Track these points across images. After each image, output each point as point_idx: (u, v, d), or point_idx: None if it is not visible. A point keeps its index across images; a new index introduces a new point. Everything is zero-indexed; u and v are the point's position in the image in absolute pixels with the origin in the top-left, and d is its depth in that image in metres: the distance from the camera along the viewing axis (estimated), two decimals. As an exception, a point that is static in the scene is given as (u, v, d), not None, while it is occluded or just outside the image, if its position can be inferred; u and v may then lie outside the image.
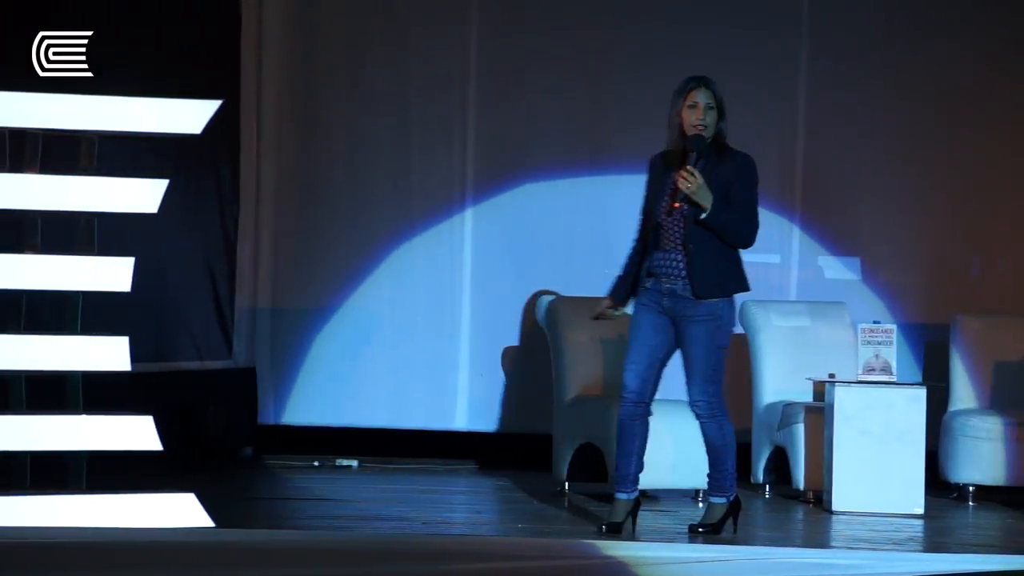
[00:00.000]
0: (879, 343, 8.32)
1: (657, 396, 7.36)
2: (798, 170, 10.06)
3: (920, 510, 8.16)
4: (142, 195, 6.64)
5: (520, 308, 9.99)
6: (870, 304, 9.93)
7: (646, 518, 7.45)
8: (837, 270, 10.07)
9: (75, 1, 8.33)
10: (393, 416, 10.03)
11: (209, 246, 9.75)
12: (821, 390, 8.73)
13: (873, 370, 8.31)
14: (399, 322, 10.07)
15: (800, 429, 8.66)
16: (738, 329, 9.25)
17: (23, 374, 6.58)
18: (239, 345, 9.93)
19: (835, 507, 8.20)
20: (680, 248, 6.99)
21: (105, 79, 6.68)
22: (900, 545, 7.21)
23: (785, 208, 10.04)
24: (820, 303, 9.44)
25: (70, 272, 6.58)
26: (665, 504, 8.33)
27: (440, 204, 10.10)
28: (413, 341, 10.06)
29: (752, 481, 9.06)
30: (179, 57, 9.21)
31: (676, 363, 7.18)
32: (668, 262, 7.01)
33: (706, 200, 6.93)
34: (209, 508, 6.58)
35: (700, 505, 8.38)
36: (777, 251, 10.04)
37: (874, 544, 7.21)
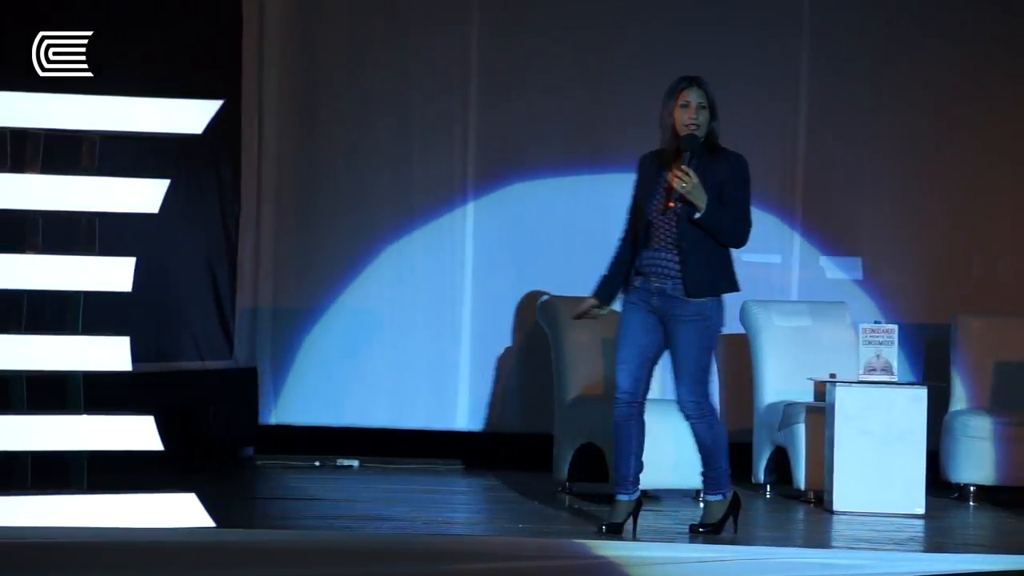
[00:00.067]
0: (880, 343, 8.32)
1: (657, 396, 7.37)
2: (799, 170, 10.06)
3: (921, 510, 8.16)
4: (143, 195, 6.64)
5: (521, 308, 9.99)
6: (871, 304, 9.93)
7: (646, 518, 7.45)
8: (838, 270, 10.07)
9: (75, 1, 8.33)
10: (394, 416, 10.03)
11: (210, 246, 9.76)
12: (822, 390, 8.73)
13: (874, 370, 8.31)
14: (400, 322, 10.07)
15: (801, 429, 8.66)
16: (739, 329, 9.28)
17: (24, 374, 6.58)
18: (240, 345, 9.93)
19: (836, 507, 8.20)
20: (672, 247, 6.97)
21: (105, 79, 6.69)
22: (901, 545, 7.21)
23: (786, 208, 10.04)
24: (821, 303, 9.44)
25: (71, 272, 6.58)
26: (665, 504, 8.33)
27: (441, 204, 10.10)
28: (414, 341, 10.06)
29: (753, 481, 9.06)
30: (180, 57, 9.21)
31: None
32: (659, 261, 6.99)
33: (701, 200, 6.92)
34: (209, 508, 6.58)
35: (700, 505, 8.38)
36: (778, 251, 10.04)
37: (875, 544, 7.20)
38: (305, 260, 10.11)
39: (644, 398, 7.10)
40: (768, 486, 8.99)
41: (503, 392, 10.07)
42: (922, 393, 8.27)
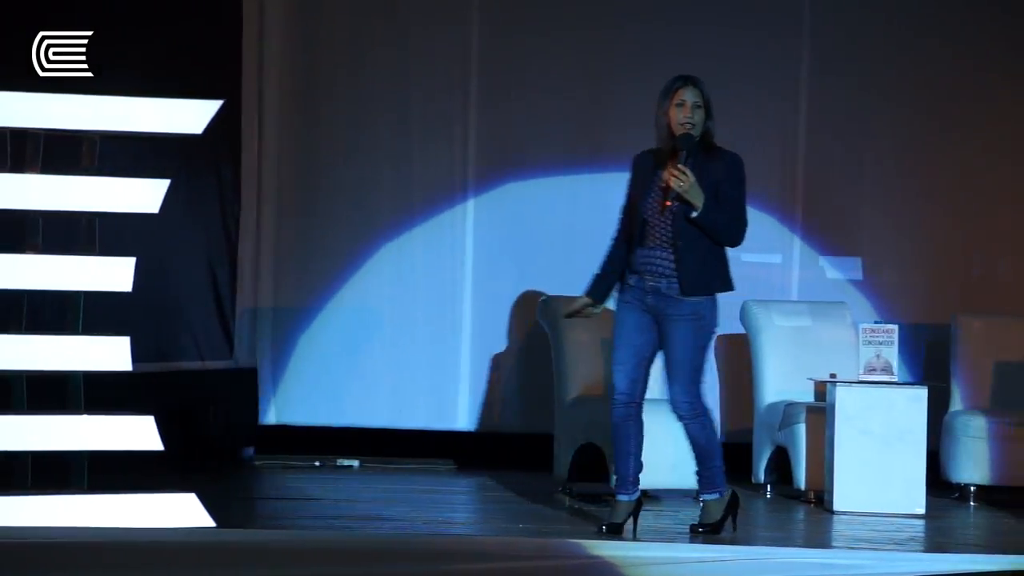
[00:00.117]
0: (880, 343, 8.32)
1: (655, 396, 7.36)
2: (799, 170, 10.06)
3: (921, 510, 8.16)
4: (143, 195, 6.65)
5: (521, 308, 9.99)
6: (871, 304, 9.93)
7: (646, 518, 7.44)
8: (838, 270, 10.07)
9: (75, 1, 8.34)
10: (394, 416, 10.03)
11: (210, 246, 9.76)
12: (822, 390, 8.73)
13: (874, 370, 8.31)
14: (400, 322, 10.07)
15: (801, 429, 8.66)
16: (739, 329, 9.28)
17: (24, 374, 6.58)
18: (240, 345, 9.93)
19: (836, 507, 8.19)
20: (668, 246, 6.95)
21: (105, 79, 6.69)
22: (901, 545, 7.21)
23: (786, 208, 10.04)
24: (821, 303, 9.44)
25: (71, 272, 6.58)
26: (665, 504, 8.33)
27: (441, 203, 10.10)
28: (414, 342, 10.06)
29: (753, 481, 9.06)
30: (180, 57, 9.21)
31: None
32: (654, 260, 6.98)
33: (698, 198, 6.91)
34: (209, 508, 6.58)
35: (700, 505, 8.37)
36: (778, 251, 10.04)
37: (875, 544, 7.20)
38: (305, 260, 10.10)
39: (642, 398, 7.09)
40: (768, 486, 8.99)
41: (503, 392, 10.07)
42: (922, 393, 8.27)
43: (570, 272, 9.56)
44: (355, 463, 9.89)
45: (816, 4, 10.05)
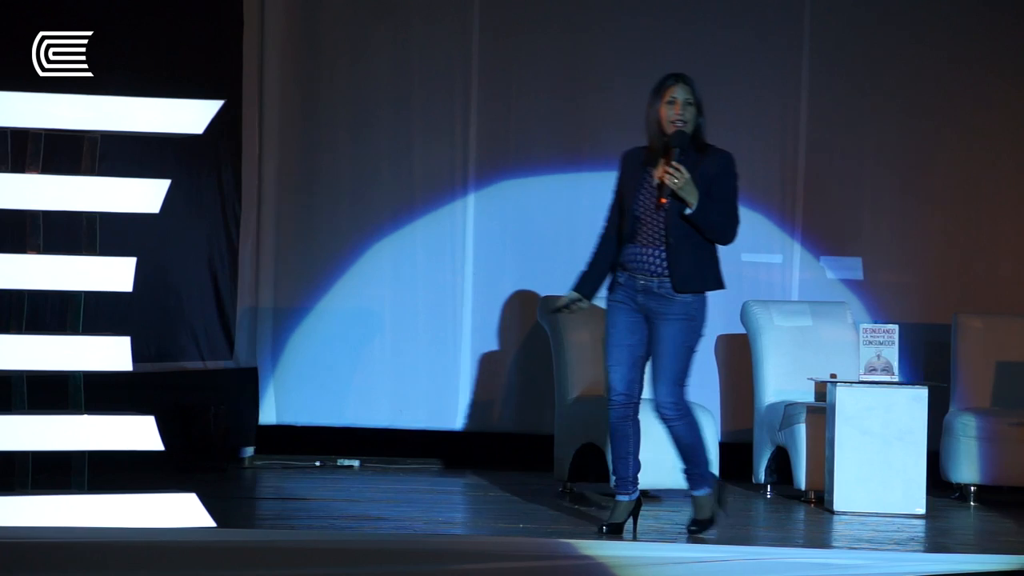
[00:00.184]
0: (880, 343, 8.32)
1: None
2: (800, 170, 10.06)
3: (921, 510, 8.16)
4: (144, 195, 6.64)
5: (521, 308, 9.99)
6: (871, 304, 9.94)
7: (646, 518, 7.45)
8: (838, 270, 10.07)
9: (75, 1, 8.34)
10: (394, 416, 10.04)
11: (211, 246, 9.76)
12: (823, 390, 8.74)
13: (875, 370, 8.31)
14: (400, 323, 10.08)
15: (802, 429, 8.66)
16: (739, 329, 9.29)
17: (25, 374, 6.58)
18: (240, 345, 9.93)
19: (836, 507, 8.20)
20: (660, 244, 6.93)
21: (105, 79, 6.69)
22: (901, 545, 7.21)
23: (787, 208, 10.04)
24: (822, 303, 9.45)
25: (72, 272, 6.58)
26: (665, 504, 8.33)
27: (441, 203, 10.10)
28: (414, 342, 10.06)
29: (753, 481, 9.07)
30: (180, 57, 9.22)
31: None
32: (645, 258, 6.96)
33: (692, 196, 6.89)
34: (209, 508, 6.58)
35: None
36: (778, 251, 10.04)
37: (875, 544, 7.20)
38: (305, 260, 10.11)
39: (639, 398, 7.07)
40: (768, 486, 8.99)
41: (503, 392, 10.07)
42: (922, 393, 8.27)
43: (571, 271, 9.55)
44: (355, 463, 9.90)
45: (817, 4, 10.05)
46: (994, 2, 10.03)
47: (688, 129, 6.96)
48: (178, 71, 9.10)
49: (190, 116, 6.68)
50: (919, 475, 8.20)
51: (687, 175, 6.87)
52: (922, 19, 10.03)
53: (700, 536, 7.07)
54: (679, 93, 6.98)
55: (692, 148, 6.96)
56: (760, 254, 9.98)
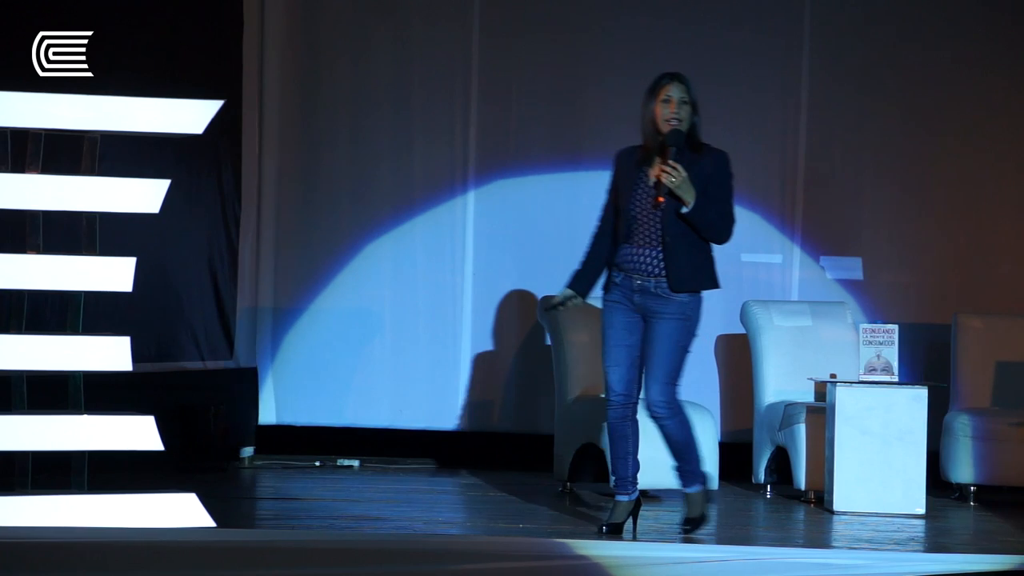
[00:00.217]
0: (880, 343, 8.32)
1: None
2: (800, 170, 10.06)
3: (921, 510, 8.16)
4: (144, 195, 6.64)
5: (521, 308, 9.99)
6: (871, 304, 9.94)
7: (646, 518, 7.45)
8: (838, 270, 10.07)
9: (75, 1, 8.34)
10: (394, 416, 10.04)
11: (211, 246, 9.76)
12: (823, 390, 8.73)
13: (874, 370, 8.31)
14: (400, 323, 10.08)
15: (801, 429, 8.66)
16: (739, 329, 9.29)
17: (25, 374, 6.58)
18: (240, 345, 9.94)
19: (836, 507, 8.20)
20: (657, 245, 6.92)
21: (105, 79, 6.69)
22: (901, 545, 7.21)
23: (787, 208, 10.04)
24: (822, 303, 9.45)
25: (72, 272, 6.58)
26: (665, 504, 8.33)
27: (442, 203, 10.11)
28: (414, 342, 10.06)
29: (753, 481, 9.07)
30: (180, 57, 9.22)
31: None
32: (642, 258, 6.96)
33: (689, 194, 6.88)
34: (209, 508, 6.58)
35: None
36: (778, 251, 10.04)
37: (875, 544, 7.20)
38: (305, 260, 10.11)
39: (638, 398, 7.07)
40: (768, 486, 8.99)
41: (502, 392, 10.07)
42: (922, 393, 8.27)
43: (571, 271, 9.60)
44: (355, 463, 9.90)
45: (817, 4, 10.05)
46: (994, 2, 10.03)
47: (683, 127, 6.95)
48: (178, 71, 9.10)
49: (190, 116, 6.67)
50: (919, 475, 8.20)
51: (684, 173, 6.86)
52: (922, 19, 10.03)
53: (692, 535, 7.06)
54: (674, 92, 6.97)
55: (687, 147, 6.95)
56: (760, 254, 9.98)
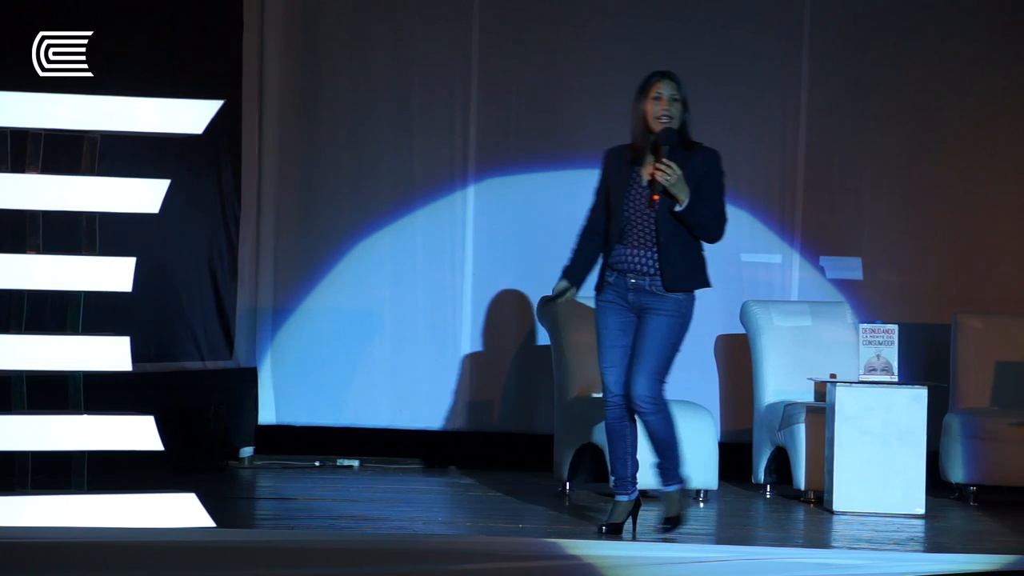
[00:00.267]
0: (880, 343, 8.32)
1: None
2: (799, 170, 10.05)
3: (921, 510, 8.16)
4: (144, 195, 6.64)
5: (520, 307, 9.99)
6: (871, 304, 9.93)
7: (646, 518, 7.44)
8: (838, 270, 10.07)
9: (75, 1, 8.34)
10: (394, 416, 10.04)
11: (211, 246, 9.76)
12: (822, 390, 8.73)
13: (874, 370, 8.31)
14: (399, 323, 10.08)
15: (801, 429, 8.66)
16: (739, 329, 9.28)
17: (24, 374, 6.58)
18: (240, 345, 9.93)
19: (836, 507, 8.20)
20: (651, 244, 6.91)
21: (105, 79, 6.69)
22: (901, 545, 7.21)
23: (786, 208, 10.04)
24: (821, 303, 9.45)
25: (72, 272, 6.58)
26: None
27: (442, 203, 10.10)
28: (413, 341, 10.06)
29: (753, 481, 9.07)
30: (180, 57, 9.21)
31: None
32: (636, 258, 6.94)
33: (683, 192, 6.87)
34: (209, 508, 6.58)
35: (701, 505, 8.39)
36: (778, 251, 10.04)
37: (875, 544, 7.20)
38: (305, 260, 10.11)
39: (636, 398, 7.07)
40: (768, 486, 8.99)
41: (502, 392, 10.07)
42: (922, 393, 8.27)
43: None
44: (355, 463, 9.90)
45: (817, 4, 10.05)
46: (994, 3, 10.03)
47: (674, 125, 6.94)
48: (178, 71, 9.10)
49: (190, 116, 6.67)
50: (919, 475, 8.20)
51: (679, 171, 6.85)
52: (922, 19, 10.03)
53: (670, 535, 7.01)
54: (665, 89, 6.96)
55: (679, 145, 6.94)
56: (760, 254, 9.98)
